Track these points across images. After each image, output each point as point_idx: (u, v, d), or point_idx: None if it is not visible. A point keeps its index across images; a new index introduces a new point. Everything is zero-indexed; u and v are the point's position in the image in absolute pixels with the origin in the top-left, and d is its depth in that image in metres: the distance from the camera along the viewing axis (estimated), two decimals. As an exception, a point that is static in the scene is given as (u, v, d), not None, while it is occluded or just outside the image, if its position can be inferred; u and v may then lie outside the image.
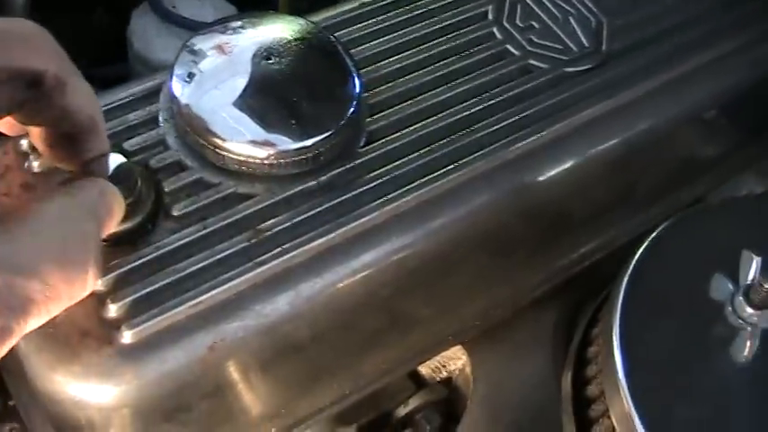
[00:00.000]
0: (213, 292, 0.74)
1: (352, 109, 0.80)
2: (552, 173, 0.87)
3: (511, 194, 0.85)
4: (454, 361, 1.03)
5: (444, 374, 1.04)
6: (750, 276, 0.71)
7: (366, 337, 0.86)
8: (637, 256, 0.73)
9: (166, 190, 0.78)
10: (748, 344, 0.71)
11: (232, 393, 0.80)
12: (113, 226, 0.68)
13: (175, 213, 0.77)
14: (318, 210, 0.78)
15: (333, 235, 0.77)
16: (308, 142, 0.78)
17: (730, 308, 0.72)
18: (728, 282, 0.73)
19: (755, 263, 0.70)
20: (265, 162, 0.78)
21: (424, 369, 1.03)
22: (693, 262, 0.75)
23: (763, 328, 0.71)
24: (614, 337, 0.70)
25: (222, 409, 0.81)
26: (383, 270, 0.79)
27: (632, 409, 0.68)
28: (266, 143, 0.78)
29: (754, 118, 1.07)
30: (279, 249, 0.76)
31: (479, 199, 0.83)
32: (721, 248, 0.74)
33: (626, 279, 0.72)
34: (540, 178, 0.86)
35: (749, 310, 0.71)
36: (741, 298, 0.71)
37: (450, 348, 1.02)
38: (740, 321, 0.72)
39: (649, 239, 0.74)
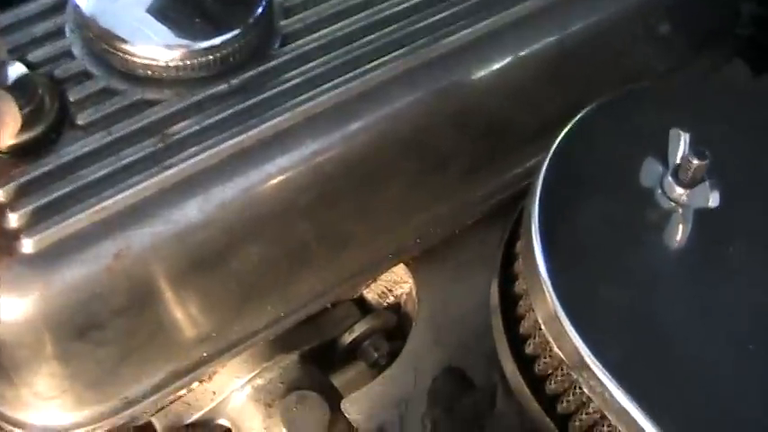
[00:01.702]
0: (118, 197, 0.71)
1: (260, 9, 0.77)
2: (480, 73, 0.83)
3: (435, 96, 0.81)
4: (401, 285, 1.00)
5: (391, 300, 1.00)
6: (679, 155, 0.67)
7: (292, 251, 0.82)
8: (558, 140, 0.70)
9: (71, 100, 0.75)
10: (680, 226, 0.68)
11: (150, 310, 0.77)
12: (8, 137, 0.65)
13: (80, 122, 0.74)
14: (229, 112, 0.75)
15: (243, 137, 0.74)
16: (215, 41, 0.75)
17: (660, 190, 0.69)
18: (658, 164, 0.69)
19: (683, 140, 0.67)
20: (171, 65, 0.75)
21: (369, 294, 1.00)
22: (619, 145, 0.71)
23: (695, 207, 0.67)
24: (533, 228, 0.66)
25: (142, 329, 0.77)
26: (300, 175, 0.76)
27: (555, 304, 0.64)
28: (172, 45, 0.75)
29: (695, 31, 1.03)
30: (187, 153, 0.73)
31: (400, 100, 0.80)
32: (647, 131, 0.71)
33: (546, 165, 0.68)
34: (467, 79, 0.83)
35: (679, 189, 0.67)
36: (670, 178, 0.68)
37: (394, 271, 0.98)
38: (671, 203, 0.68)
39: (572, 122, 0.70)
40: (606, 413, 0.62)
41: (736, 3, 1.13)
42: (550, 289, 0.63)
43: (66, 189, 0.70)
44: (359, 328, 0.97)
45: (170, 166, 0.72)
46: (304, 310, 0.88)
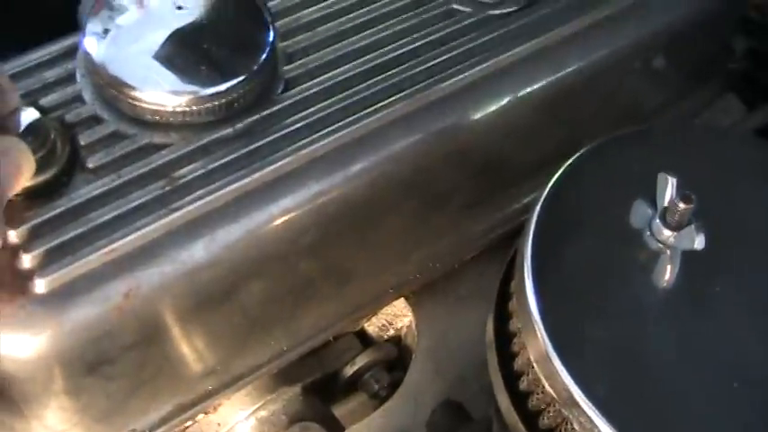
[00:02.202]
0: (127, 239, 0.73)
1: (265, 55, 0.79)
2: (476, 116, 0.86)
3: (433, 138, 0.84)
4: (401, 318, 1.02)
5: (392, 332, 1.03)
6: (667, 198, 0.70)
7: (296, 288, 0.85)
8: (551, 184, 0.72)
9: (82, 143, 0.78)
10: (668, 267, 0.70)
11: (158, 346, 0.79)
12: (23, 181, 0.68)
13: (91, 165, 0.76)
14: (234, 156, 0.78)
15: (248, 180, 0.77)
16: (221, 88, 0.77)
17: (648, 232, 0.71)
18: (647, 207, 0.72)
19: (671, 184, 0.69)
20: (179, 110, 0.77)
21: (370, 328, 1.03)
22: (610, 189, 0.74)
23: (681, 249, 0.70)
24: (525, 268, 0.69)
25: (150, 364, 0.80)
26: (303, 215, 0.79)
27: (546, 343, 0.66)
28: (180, 91, 0.78)
29: (689, 66, 1.06)
30: (194, 195, 0.76)
31: (399, 142, 0.82)
32: (637, 174, 0.73)
33: (539, 207, 0.71)
34: (464, 120, 0.86)
35: (666, 232, 0.70)
36: (658, 221, 0.70)
37: (395, 304, 1.01)
38: (659, 245, 0.71)
39: (564, 167, 0.73)
40: (596, 448, 0.64)
41: (729, 38, 1.16)
42: (541, 329, 0.66)
43: (78, 231, 0.73)
44: (360, 361, 1.00)
45: (177, 209, 0.74)
46: (307, 343, 0.91)
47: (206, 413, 0.95)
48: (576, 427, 0.65)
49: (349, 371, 1.00)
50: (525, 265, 0.68)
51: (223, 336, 0.83)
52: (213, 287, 0.77)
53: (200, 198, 0.75)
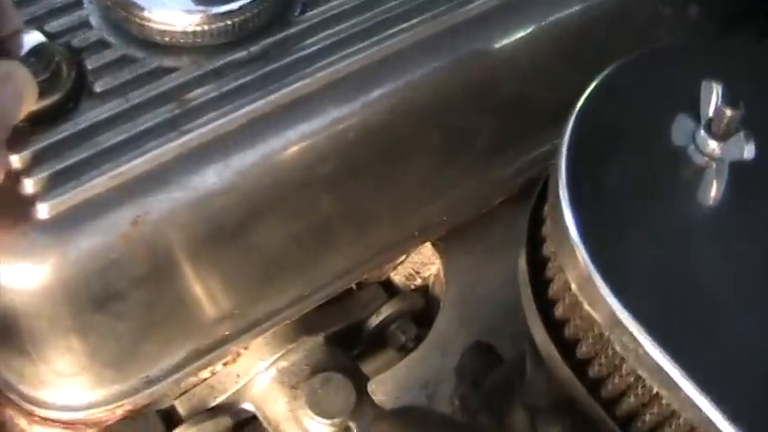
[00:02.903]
0: (135, 162, 0.70)
1: (279, -28, 0.75)
2: (503, 42, 0.82)
3: (457, 64, 0.80)
4: (428, 267, 0.98)
5: (419, 282, 0.98)
6: (712, 107, 0.64)
7: (315, 226, 0.80)
8: (584, 97, 0.67)
9: (89, 68, 0.74)
10: (714, 182, 0.65)
11: (169, 283, 0.75)
12: (26, 108, 0.64)
13: (98, 90, 0.73)
14: (248, 78, 0.74)
15: (263, 102, 0.73)
16: (233, 6, 0.74)
17: (692, 145, 0.66)
18: (689, 120, 0.66)
19: (716, 91, 0.64)
20: (189, 30, 0.73)
21: (396, 277, 0.98)
22: (648, 102, 0.69)
23: (729, 160, 0.64)
24: (560, 184, 0.64)
25: (161, 303, 0.76)
26: (321, 142, 0.75)
27: (585, 259, 0.61)
28: (190, 11, 0.74)
29: (724, 9, 1.00)
30: (206, 118, 0.72)
31: (422, 67, 0.78)
32: (677, 87, 0.68)
33: (572, 122, 0.66)
34: (490, 47, 0.81)
35: (712, 143, 0.65)
36: (703, 132, 0.65)
37: (422, 252, 0.96)
38: (704, 158, 0.66)
39: (596, 81, 0.68)
40: (639, 371, 0.59)
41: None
42: (579, 245, 0.61)
43: (83, 155, 0.69)
44: (386, 311, 0.95)
45: (188, 131, 0.70)
46: (328, 288, 0.86)
47: (224, 364, 0.91)
48: (618, 348, 0.60)
49: (374, 321, 0.95)
50: (560, 180, 0.63)
51: (239, 276, 0.79)
52: (227, 217, 0.73)
53: (212, 121, 0.71)
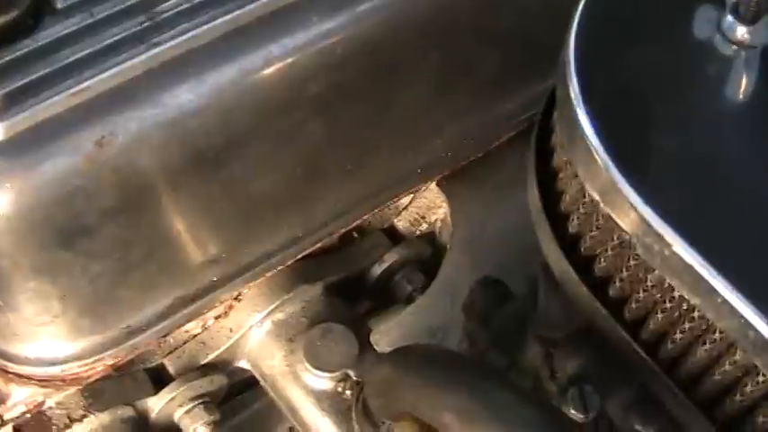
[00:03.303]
0: (99, 77, 0.63)
1: None
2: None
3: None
4: (434, 210, 0.91)
5: (425, 228, 0.91)
6: (738, -10, 0.57)
7: (305, 157, 0.73)
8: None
9: (50, -16, 0.67)
10: (744, 71, 0.58)
11: (145, 218, 0.68)
12: None
13: (59, 6, 0.67)
14: (225, -11, 0.66)
15: (240, 12, 0.66)
16: None
17: (719, 34, 0.58)
18: (713, 9, 0.59)
19: (742, -29, 0.57)
20: (159, -63, 0.66)
21: (401, 223, 0.91)
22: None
23: (761, 45, 0.57)
24: (570, 78, 0.57)
25: (138, 242, 0.69)
26: (306, 58, 0.68)
27: (601, 155, 0.54)
28: None
29: None
30: (178, 29, 0.65)
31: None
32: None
33: (581, 6, 0.59)
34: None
35: (741, 28, 0.57)
36: (730, 17, 0.58)
37: (427, 195, 0.89)
38: (732, 47, 0.58)
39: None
40: (668, 279, 0.52)
41: None
42: (593, 138, 0.53)
43: (42, 72, 0.63)
44: (389, 259, 0.88)
45: (157, 45, 0.64)
46: (325, 230, 0.80)
47: (216, 318, 0.84)
48: (642, 253, 0.52)
49: (377, 270, 0.88)
50: (569, 72, 0.56)
51: (223, 212, 0.72)
52: (204, 140, 0.66)
53: (184, 33, 0.64)
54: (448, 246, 0.86)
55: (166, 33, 0.65)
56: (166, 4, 0.66)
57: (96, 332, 0.72)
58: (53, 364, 0.72)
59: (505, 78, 0.84)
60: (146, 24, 0.65)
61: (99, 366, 0.74)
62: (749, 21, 0.57)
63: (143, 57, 0.64)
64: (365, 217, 0.83)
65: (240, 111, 0.67)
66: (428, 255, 0.90)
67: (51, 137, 0.62)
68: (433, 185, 0.87)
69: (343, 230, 0.82)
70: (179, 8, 0.66)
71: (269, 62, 0.67)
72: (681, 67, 0.58)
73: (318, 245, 0.81)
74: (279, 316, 0.83)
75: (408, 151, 0.81)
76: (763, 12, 0.56)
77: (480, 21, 0.77)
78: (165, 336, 0.77)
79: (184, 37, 0.65)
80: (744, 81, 0.57)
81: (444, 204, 0.88)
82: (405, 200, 0.89)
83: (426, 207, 0.90)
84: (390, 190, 0.82)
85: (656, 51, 0.58)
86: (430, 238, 0.91)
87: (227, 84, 0.65)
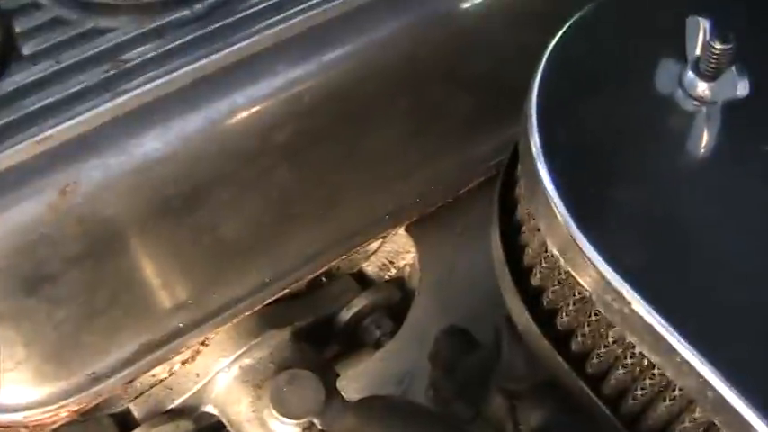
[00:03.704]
0: (64, 125, 0.63)
1: None
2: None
3: (426, 22, 0.72)
4: (403, 255, 0.90)
5: (393, 272, 0.91)
6: (699, 44, 0.58)
7: (274, 202, 0.73)
8: (558, 36, 0.60)
9: (18, 30, 0.68)
10: (705, 126, 0.58)
11: (110, 264, 0.68)
12: None
13: (26, 52, 0.67)
14: (191, 37, 0.68)
15: (206, 61, 0.66)
16: (174, -42, 0.66)
17: (680, 89, 0.59)
18: (674, 62, 0.60)
19: (702, 27, 0.57)
20: (127, -13, 0.66)
21: (369, 267, 0.91)
22: (626, 43, 0.62)
23: (721, 100, 0.57)
24: (531, 132, 0.57)
25: (103, 288, 0.69)
26: (273, 107, 0.68)
27: (559, 208, 0.54)
28: (127, -34, 0.66)
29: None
30: (144, 78, 0.65)
31: (386, 25, 0.71)
32: (660, 27, 0.61)
33: (544, 60, 0.59)
34: (462, 5, 0.74)
35: (701, 84, 0.58)
36: (690, 73, 0.58)
37: (396, 240, 0.89)
38: (693, 103, 0.59)
39: (574, 18, 0.61)
40: (628, 336, 0.52)
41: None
42: (554, 194, 0.53)
43: (6, 119, 0.63)
44: (358, 303, 0.88)
45: (123, 93, 0.64)
46: (293, 275, 0.79)
47: (183, 363, 0.83)
48: (603, 310, 0.52)
49: (345, 315, 0.88)
50: (530, 126, 0.56)
51: (191, 259, 0.72)
52: (170, 188, 0.66)
53: (151, 80, 0.64)
54: (416, 291, 0.85)
55: (132, 81, 0.65)
56: (133, 52, 0.66)
57: (60, 378, 0.71)
58: (16, 410, 0.72)
59: (476, 123, 0.84)
60: (112, 72, 0.65)
61: (63, 412, 0.73)
62: (710, 77, 0.57)
63: (109, 105, 0.64)
64: (333, 262, 0.83)
65: (207, 159, 0.67)
66: (397, 300, 0.90)
67: (15, 185, 0.62)
68: (401, 230, 0.87)
69: (311, 276, 0.81)
70: (145, 57, 0.66)
71: (234, 111, 0.67)
72: (643, 123, 0.58)
73: (287, 290, 0.81)
74: (246, 361, 0.83)
75: (377, 197, 0.81)
76: (724, 68, 0.57)
77: (449, 67, 0.77)
78: (130, 381, 0.76)
79: (150, 85, 0.65)
80: (705, 137, 0.58)
81: (413, 249, 0.88)
82: (374, 245, 0.89)
83: (395, 252, 0.90)
84: (359, 236, 0.82)
85: (619, 106, 0.59)
86: (399, 282, 0.91)
87: (193, 132, 0.65)
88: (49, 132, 0.62)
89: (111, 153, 0.63)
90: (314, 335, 0.88)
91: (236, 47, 0.67)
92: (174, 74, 0.65)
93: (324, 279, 0.89)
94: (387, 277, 0.91)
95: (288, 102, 0.68)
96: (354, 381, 0.82)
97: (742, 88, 0.56)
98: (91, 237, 0.65)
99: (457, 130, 0.83)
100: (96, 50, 0.66)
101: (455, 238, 0.87)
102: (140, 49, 0.66)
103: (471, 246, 0.87)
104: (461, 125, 0.82)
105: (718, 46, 0.55)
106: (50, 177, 0.62)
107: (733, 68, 0.56)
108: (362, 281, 0.91)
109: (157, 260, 0.70)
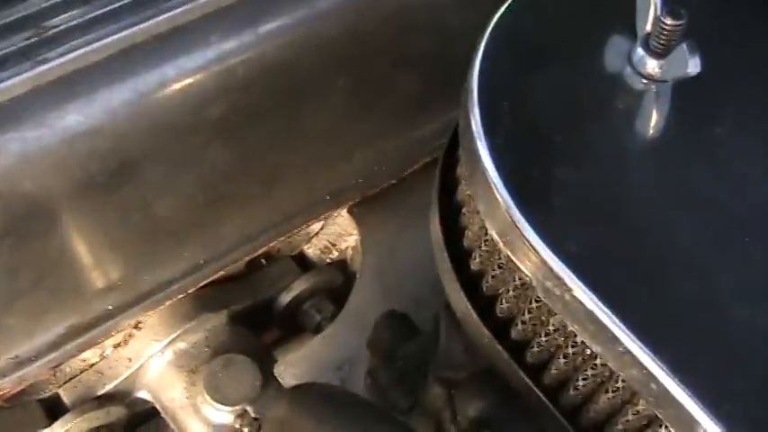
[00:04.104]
0: (-21, 97, 0.58)
1: None
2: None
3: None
4: (345, 238, 0.87)
5: (335, 255, 0.88)
6: (650, 20, 0.55)
7: (209, 182, 0.70)
8: (501, 11, 0.57)
9: (-68, -4, 0.62)
10: (655, 106, 0.56)
11: (34, 243, 0.64)
12: None
13: (-60, 19, 0.61)
14: (120, 4, 0.63)
15: (136, 30, 0.62)
16: None
17: (629, 67, 0.56)
18: (624, 39, 0.57)
19: (654, 2, 0.55)
20: (51, -51, 0.62)
21: (311, 250, 0.88)
22: (574, 19, 0.59)
23: (672, 78, 0.55)
24: (472, 109, 0.54)
25: (27, 267, 0.65)
26: (205, 80, 0.65)
27: (499, 189, 0.52)
28: (52, -74, 0.62)
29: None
30: (67, 46, 0.61)
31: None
32: (608, 3, 0.59)
33: (486, 36, 0.56)
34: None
35: (651, 61, 0.55)
36: (640, 50, 0.56)
37: (338, 222, 0.86)
38: (643, 81, 0.56)
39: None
40: (569, 324, 0.50)
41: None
42: (494, 174, 0.51)
43: None
44: (298, 287, 0.85)
45: (44, 62, 0.60)
46: (228, 257, 0.76)
47: (115, 346, 0.80)
48: (544, 297, 0.50)
49: (285, 299, 0.85)
50: (471, 102, 0.53)
51: (120, 238, 0.69)
52: (95, 164, 0.62)
53: (75, 49, 0.60)
54: (358, 274, 0.83)
55: (55, 50, 0.61)
56: (56, 18, 0.62)
57: (-19, 362, 0.68)
58: (-67, 396, 0.68)
59: (421, 102, 0.81)
60: (33, 39, 0.61)
61: (-14, 398, 0.70)
62: (660, 54, 0.55)
63: (29, 74, 0.60)
64: (272, 244, 0.80)
65: (134, 133, 0.63)
66: (339, 283, 0.87)
67: (-75, 157, 0.57)
68: (344, 212, 0.84)
69: (248, 258, 0.78)
70: (70, 23, 0.62)
71: (164, 83, 0.63)
72: (590, 100, 0.56)
73: (223, 272, 0.77)
74: (180, 345, 0.80)
75: (317, 177, 0.78)
76: (675, 45, 0.54)
77: (394, 42, 0.74)
78: (57, 366, 0.73)
79: (74, 54, 0.61)
80: (654, 117, 0.55)
81: (355, 232, 0.85)
82: (315, 227, 0.86)
83: (337, 234, 0.87)
84: (298, 217, 0.79)
85: (565, 83, 0.56)
86: (341, 266, 0.88)
87: (119, 105, 0.62)
88: (-37, 103, 0.58)
89: (30, 125, 0.59)
90: (252, 319, 0.85)
91: (167, 15, 0.63)
92: (101, 42, 0.62)
93: (263, 261, 0.86)
94: (328, 260, 0.88)
95: (222, 75, 0.65)
96: (293, 366, 0.79)
97: (693, 66, 0.53)
98: (9, 213, 0.61)
99: (401, 108, 0.80)
100: (15, 17, 0.62)
101: (399, 220, 0.84)
102: (64, 16, 0.63)
103: (415, 229, 0.83)
104: (406, 104, 0.80)
105: (668, 22, 0.53)
106: (-36, 150, 0.58)
107: (684, 45, 0.53)
108: (303, 263, 0.88)
109: (84, 239, 0.67)
